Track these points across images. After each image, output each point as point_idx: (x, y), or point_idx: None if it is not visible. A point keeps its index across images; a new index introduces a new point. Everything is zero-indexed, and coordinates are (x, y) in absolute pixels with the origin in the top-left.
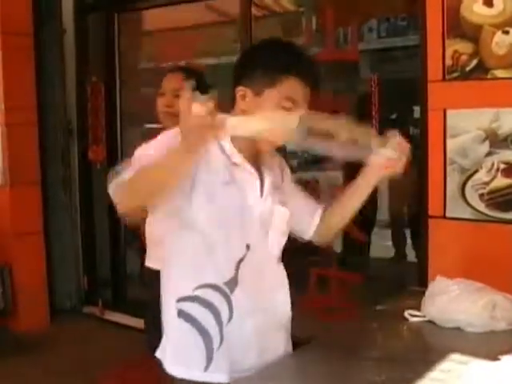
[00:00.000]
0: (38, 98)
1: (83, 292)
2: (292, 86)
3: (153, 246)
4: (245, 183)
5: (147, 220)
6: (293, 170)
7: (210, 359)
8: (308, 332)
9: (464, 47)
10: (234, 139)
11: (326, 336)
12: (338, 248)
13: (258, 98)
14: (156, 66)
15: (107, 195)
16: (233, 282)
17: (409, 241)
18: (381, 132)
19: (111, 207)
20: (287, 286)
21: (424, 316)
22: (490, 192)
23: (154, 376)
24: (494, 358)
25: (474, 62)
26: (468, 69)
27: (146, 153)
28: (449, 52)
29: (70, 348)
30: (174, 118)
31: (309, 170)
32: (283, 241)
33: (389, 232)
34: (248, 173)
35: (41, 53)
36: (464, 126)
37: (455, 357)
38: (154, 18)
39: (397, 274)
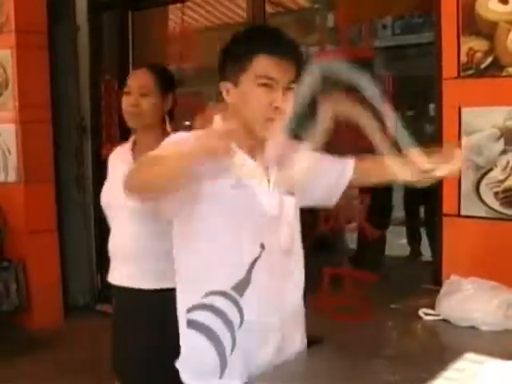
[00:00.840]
0: (52, 96)
1: (96, 289)
2: (263, 64)
3: (120, 260)
4: (251, 181)
5: (112, 231)
6: None
7: (224, 365)
8: (322, 331)
9: (479, 44)
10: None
11: (340, 335)
12: (352, 246)
13: (238, 87)
14: (169, 63)
15: None
16: (242, 285)
17: (424, 239)
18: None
19: None
20: (302, 282)
21: (438, 315)
22: (505, 190)
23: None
24: (509, 357)
25: (489, 59)
26: (483, 66)
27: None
28: (464, 49)
29: (83, 345)
30: (140, 118)
31: None
32: (295, 231)
33: (404, 230)
34: (252, 169)
35: (55, 51)
36: (479, 123)
37: (470, 356)
38: (166, 17)
39: (412, 272)
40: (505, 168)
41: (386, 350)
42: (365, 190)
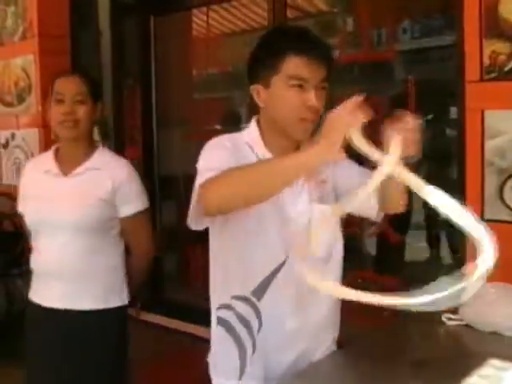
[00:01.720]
0: None
1: None
2: (294, 65)
3: (47, 278)
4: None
5: (40, 248)
6: None
7: (243, 367)
8: (343, 335)
9: (502, 47)
10: (264, 138)
11: (362, 339)
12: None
13: (269, 89)
14: (190, 68)
15: None
16: (262, 289)
17: (444, 242)
18: None
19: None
20: None
21: (461, 320)
22: None
23: (188, 376)
24: None
25: None
26: (506, 69)
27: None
28: (486, 52)
29: None
30: (75, 128)
31: None
32: (333, 239)
33: (423, 233)
34: None
35: (77, 55)
36: (502, 126)
37: (494, 362)
38: (189, 22)
39: (432, 276)
40: None
41: (408, 355)
42: None
